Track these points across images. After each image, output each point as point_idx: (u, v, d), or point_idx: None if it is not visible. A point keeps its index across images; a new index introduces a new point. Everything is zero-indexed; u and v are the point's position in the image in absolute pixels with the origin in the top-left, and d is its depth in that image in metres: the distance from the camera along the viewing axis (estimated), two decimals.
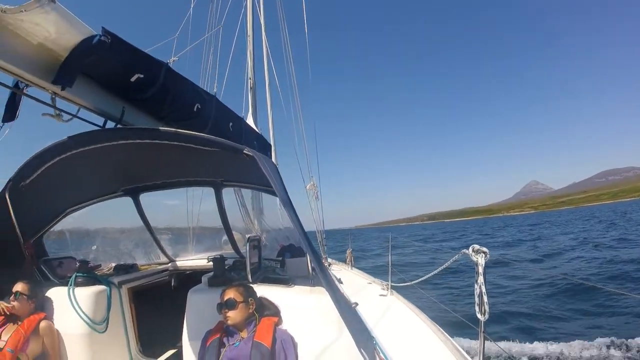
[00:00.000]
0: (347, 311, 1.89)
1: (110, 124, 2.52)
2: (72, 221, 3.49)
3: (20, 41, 1.83)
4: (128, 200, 3.49)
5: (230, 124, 3.71)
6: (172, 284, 3.83)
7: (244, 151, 2.44)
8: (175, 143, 2.52)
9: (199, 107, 3.08)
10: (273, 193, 3.37)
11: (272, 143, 6.77)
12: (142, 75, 2.44)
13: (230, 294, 2.20)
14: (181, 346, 3.55)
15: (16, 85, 2.10)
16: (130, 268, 3.41)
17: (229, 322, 2.15)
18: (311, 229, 6.43)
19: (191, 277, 3.88)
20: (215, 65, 6.94)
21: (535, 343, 6.73)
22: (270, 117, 7.18)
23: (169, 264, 3.93)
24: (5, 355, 2.30)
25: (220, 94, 3.44)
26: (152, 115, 2.79)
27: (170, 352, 3.30)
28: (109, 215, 3.80)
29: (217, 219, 4.13)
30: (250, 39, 7.76)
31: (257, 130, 5.87)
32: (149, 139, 2.48)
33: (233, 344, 2.11)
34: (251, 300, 2.23)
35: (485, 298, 1.97)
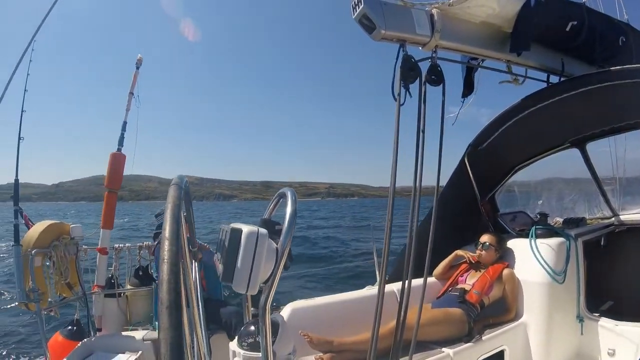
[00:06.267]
0: None
1: (553, 79, 2.70)
2: (520, 177, 3.69)
3: (467, 25, 2.09)
4: (570, 152, 3.44)
5: None
6: (618, 239, 3.52)
7: None
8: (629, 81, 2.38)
9: (624, 39, 2.89)
10: None
11: None
12: (575, 22, 2.56)
13: None
14: (619, 301, 3.14)
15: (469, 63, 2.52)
16: (580, 222, 3.39)
17: None
18: None
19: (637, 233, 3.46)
20: None
21: None
22: None
23: (613, 218, 3.68)
24: (472, 296, 2.61)
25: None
26: (583, 60, 2.80)
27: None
28: (551, 169, 3.87)
29: None
30: None
31: None
32: (616, 81, 2.44)
33: None
34: None
35: None
